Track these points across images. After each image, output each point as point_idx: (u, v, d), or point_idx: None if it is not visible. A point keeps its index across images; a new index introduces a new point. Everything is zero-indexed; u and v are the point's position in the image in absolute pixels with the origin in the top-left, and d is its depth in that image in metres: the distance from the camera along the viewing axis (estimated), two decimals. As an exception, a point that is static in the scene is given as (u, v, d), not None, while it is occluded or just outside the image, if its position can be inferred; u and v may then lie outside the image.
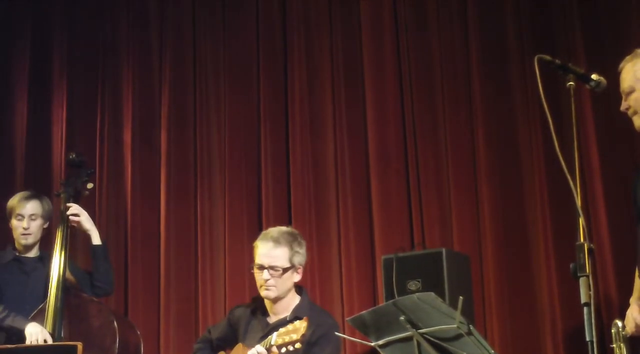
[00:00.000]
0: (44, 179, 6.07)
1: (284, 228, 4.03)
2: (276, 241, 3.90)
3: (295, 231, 4.05)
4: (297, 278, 3.95)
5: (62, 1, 6.45)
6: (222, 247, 5.60)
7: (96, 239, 4.55)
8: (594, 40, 4.83)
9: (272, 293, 3.91)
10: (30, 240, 4.56)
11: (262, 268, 3.90)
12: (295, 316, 3.86)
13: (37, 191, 4.80)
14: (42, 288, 4.43)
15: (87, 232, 4.56)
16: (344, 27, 5.55)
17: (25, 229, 4.53)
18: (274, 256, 3.88)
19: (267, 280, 3.88)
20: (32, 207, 4.57)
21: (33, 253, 4.61)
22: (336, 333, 3.75)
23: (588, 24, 4.87)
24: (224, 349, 4.14)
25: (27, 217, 4.54)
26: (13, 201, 4.61)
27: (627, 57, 3.34)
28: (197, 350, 4.21)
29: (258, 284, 3.96)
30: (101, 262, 4.53)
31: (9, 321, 4.26)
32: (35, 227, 4.56)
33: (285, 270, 3.89)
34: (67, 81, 6.29)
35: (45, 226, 4.64)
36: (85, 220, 4.55)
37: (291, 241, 3.92)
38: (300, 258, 3.94)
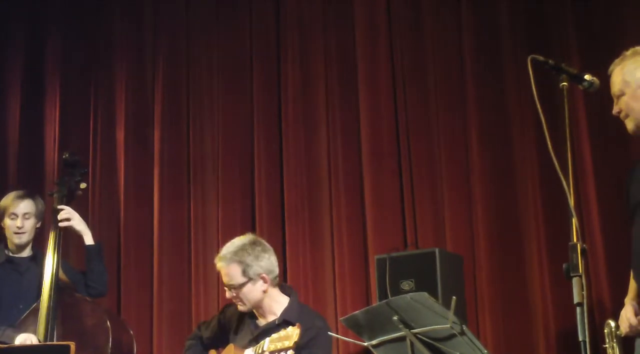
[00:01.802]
0: (37, 179, 6.07)
1: (236, 242, 3.99)
2: (224, 260, 3.93)
3: (250, 241, 3.98)
4: (263, 286, 3.91)
5: (56, 1, 6.44)
6: (215, 246, 5.58)
7: (89, 240, 4.53)
8: (588, 40, 4.84)
9: (243, 308, 3.96)
10: (24, 239, 4.54)
11: (225, 286, 3.97)
12: (284, 319, 3.85)
13: (30, 191, 4.79)
14: (36, 287, 4.41)
15: (80, 233, 4.54)
16: (338, 26, 5.55)
17: (19, 228, 4.51)
18: (227, 276, 3.92)
19: (232, 297, 3.95)
20: (25, 206, 4.55)
21: (26, 253, 4.59)
22: (329, 333, 3.73)
23: (582, 24, 4.87)
24: (214, 347, 4.13)
25: (21, 216, 4.52)
26: (6, 201, 4.60)
27: (616, 61, 3.35)
28: (189, 347, 4.21)
29: None
30: (95, 263, 4.51)
31: None
32: (28, 226, 4.54)
33: (241, 285, 3.89)
34: (60, 80, 6.29)
35: (38, 225, 4.63)
36: (77, 223, 4.51)
37: (241, 255, 3.90)
38: (256, 269, 3.89)
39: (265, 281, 3.91)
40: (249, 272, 3.89)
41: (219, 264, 3.95)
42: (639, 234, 3.32)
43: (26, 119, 6.32)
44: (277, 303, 3.96)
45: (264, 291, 3.92)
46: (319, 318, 4.05)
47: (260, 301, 3.93)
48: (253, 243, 3.97)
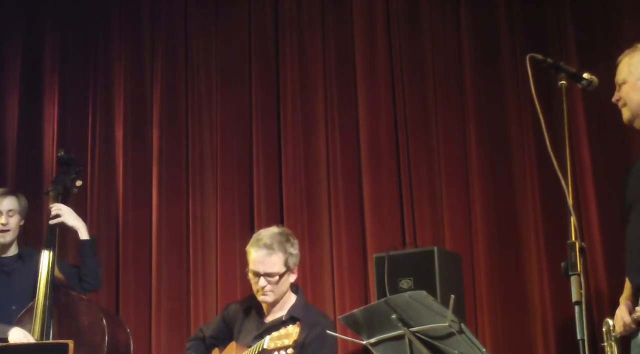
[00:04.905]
0: (35, 178, 6.06)
1: (275, 230, 3.96)
2: (270, 247, 3.85)
3: (287, 231, 4.00)
4: (293, 278, 3.93)
5: (55, 0, 6.43)
6: (213, 245, 5.60)
7: (83, 235, 4.50)
8: (586, 39, 4.84)
9: (269, 298, 3.89)
10: (8, 237, 4.49)
11: (257, 274, 3.86)
12: (291, 316, 3.84)
13: (26, 189, 4.78)
14: (28, 287, 4.37)
15: (74, 228, 4.52)
16: (336, 25, 5.55)
17: (3, 225, 4.46)
18: (270, 263, 3.84)
19: (265, 287, 3.85)
20: (9, 203, 4.51)
21: (11, 252, 4.55)
22: (330, 332, 3.73)
23: (580, 22, 4.88)
24: (217, 346, 4.12)
25: (5, 213, 4.48)
26: None
27: (627, 51, 3.39)
28: (190, 347, 4.19)
29: (254, 289, 3.92)
30: (89, 258, 4.49)
31: None
32: (13, 223, 4.49)
33: (282, 275, 3.86)
34: (59, 79, 6.28)
35: (22, 223, 4.58)
36: (68, 218, 4.49)
37: (284, 243, 3.88)
38: (294, 259, 3.90)
39: (294, 273, 3.92)
40: (289, 262, 3.87)
41: (261, 251, 3.85)
42: (632, 233, 3.34)
43: (25, 118, 6.30)
44: (287, 299, 3.95)
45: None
46: (324, 316, 4.06)
47: (284, 294, 3.91)
48: (290, 234, 3.96)
